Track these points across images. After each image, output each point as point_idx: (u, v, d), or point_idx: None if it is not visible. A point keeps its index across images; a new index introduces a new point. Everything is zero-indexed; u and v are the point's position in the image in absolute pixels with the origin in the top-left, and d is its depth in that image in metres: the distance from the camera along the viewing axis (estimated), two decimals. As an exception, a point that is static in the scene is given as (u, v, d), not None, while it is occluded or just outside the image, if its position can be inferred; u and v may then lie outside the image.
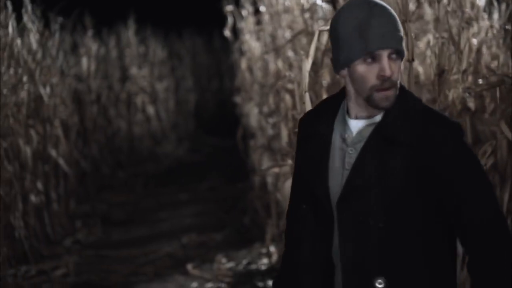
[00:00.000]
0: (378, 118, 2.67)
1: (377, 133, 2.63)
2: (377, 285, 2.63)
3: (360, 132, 2.68)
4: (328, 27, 4.91)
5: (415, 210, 2.63)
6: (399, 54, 2.65)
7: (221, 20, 9.39)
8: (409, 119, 2.63)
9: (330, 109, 2.78)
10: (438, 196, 2.62)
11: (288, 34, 6.94)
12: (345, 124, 2.72)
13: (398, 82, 2.65)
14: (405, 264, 2.64)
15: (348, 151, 2.68)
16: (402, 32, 2.67)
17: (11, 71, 8.08)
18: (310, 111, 2.92)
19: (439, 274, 2.68)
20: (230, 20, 8.91)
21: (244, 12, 8.23)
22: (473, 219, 2.61)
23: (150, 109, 15.69)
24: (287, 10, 6.86)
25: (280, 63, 6.63)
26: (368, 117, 2.69)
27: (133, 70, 15.31)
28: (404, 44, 2.68)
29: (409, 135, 2.61)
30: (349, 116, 2.71)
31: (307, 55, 4.27)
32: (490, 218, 2.63)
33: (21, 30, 8.73)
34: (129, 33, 15.48)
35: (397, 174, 2.61)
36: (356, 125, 2.69)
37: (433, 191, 2.61)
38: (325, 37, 5.34)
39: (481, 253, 2.62)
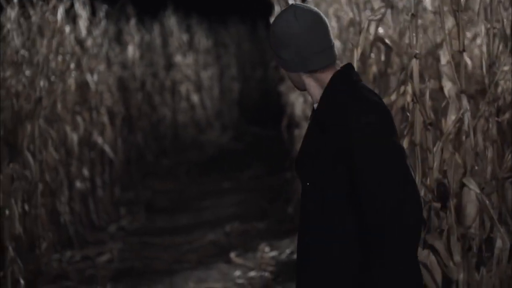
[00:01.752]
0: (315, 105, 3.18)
1: (312, 119, 3.17)
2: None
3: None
4: (376, 17, 4.89)
5: (332, 182, 3.06)
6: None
7: (266, 8, 9.37)
8: (334, 107, 3.06)
9: None
10: (351, 178, 3.02)
11: (334, 24, 6.90)
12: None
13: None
14: (314, 217, 3.11)
15: None
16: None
17: (59, 58, 8.13)
18: None
19: (335, 235, 3.07)
20: (276, 8, 8.87)
21: (290, 0, 8.18)
22: (369, 210, 2.98)
23: (195, 97, 15.73)
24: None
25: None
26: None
27: (178, 58, 15.34)
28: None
29: (332, 121, 3.05)
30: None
31: (356, 45, 4.24)
32: (387, 213, 2.95)
33: (70, 17, 8.79)
34: (172, 21, 15.50)
35: (322, 153, 3.07)
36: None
37: (348, 172, 3.02)
38: (373, 27, 5.30)
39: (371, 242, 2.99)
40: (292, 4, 3.19)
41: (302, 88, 3.18)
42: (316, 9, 3.19)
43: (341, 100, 3.06)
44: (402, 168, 3.02)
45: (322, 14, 3.16)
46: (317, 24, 3.10)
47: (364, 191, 2.98)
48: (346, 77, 3.12)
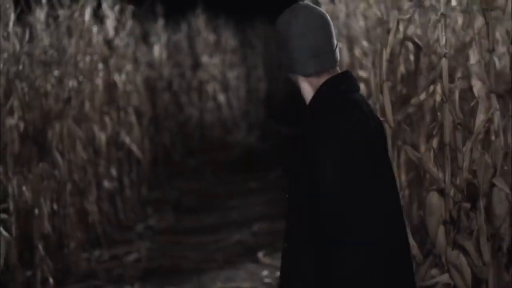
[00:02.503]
0: None
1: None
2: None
3: None
4: (405, 16, 4.87)
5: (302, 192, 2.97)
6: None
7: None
8: (311, 118, 2.99)
9: None
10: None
11: (362, 23, 6.88)
12: None
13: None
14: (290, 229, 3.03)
15: None
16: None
17: (87, 58, 8.17)
18: None
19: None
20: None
21: (321, 1, 8.18)
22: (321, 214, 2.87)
23: (221, 97, 15.75)
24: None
25: (357, 51, 6.57)
26: None
27: (205, 58, 15.37)
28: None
29: (304, 129, 3.00)
30: None
31: (384, 44, 4.22)
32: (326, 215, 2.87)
33: (98, 18, 8.84)
34: (199, 21, 15.53)
35: (294, 162, 3.03)
36: None
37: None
38: (402, 27, 5.28)
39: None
40: (298, 3, 3.07)
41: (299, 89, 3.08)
42: (321, 11, 3.06)
43: (317, 112, 2.97)
44: (352, 194, 2.88)
45: (326, 17, 3.04)
46: (318, 27, 2.99)
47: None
48: (333, 87, 3.00)
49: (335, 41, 3.04)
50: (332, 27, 3.05)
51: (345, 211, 2.87)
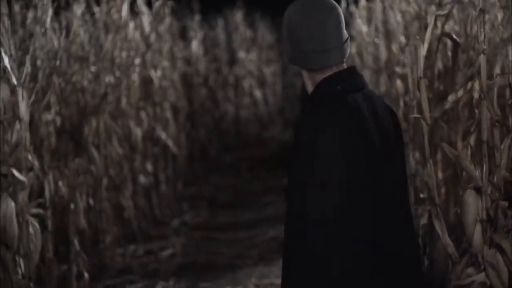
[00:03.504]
0: None
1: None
2: None
3: None
4: (443, 12, 4.81)
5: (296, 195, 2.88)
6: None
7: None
8: (303, 113, 2.92)
9: None
10: None
11: (399, 18, 6.82)
12: None
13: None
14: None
15: None
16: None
17: (124, 54, 8.20)
18: None
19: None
20: (343, 3, 8.83)
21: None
22: (307, 213, 2.78)
23: (257, 93, 15.74)
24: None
25: (394, 47, 6.52)
26: None
27: (241, 54, 15.37)
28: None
29: (298, 127, 2.91)
30: None
31: (422, 40, 4.18)
32: (311, 218, 2.78)
33: (134, 13, 8.87)
34: (237, 17, 15.54)
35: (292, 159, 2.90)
36: None
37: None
38: (439, 23, 5.21)
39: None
40: None
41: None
42: (333, 2, 2.92)
43: (310, 112, 2.89)
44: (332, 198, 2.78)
45: (337, 9, 2.89)
46: (325, 21, 2.86)
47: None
48: (330, 86, 2.89)
49: (344, 35, 2.91)
50: (343, 20, 2.92)
51: (328, 212, 2.76)
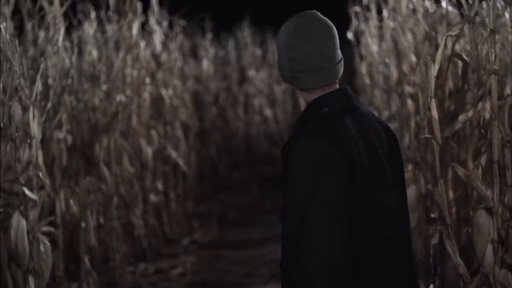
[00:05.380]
0: None
1: None
2: None
3: None
4: (454, 32, 4.82)
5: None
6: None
7: (343, 23, 9.32)
8: (289, 139, 2.89)
9: None
10: None
11: (410, 38, 6.84)
12: None
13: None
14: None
15: None
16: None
17: (135, 72, 8.23)
18: None
19: None
20: (354, 22, 8.83)
21: (368, 15, 8.15)
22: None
23: (268, 111, 15.75)
24: (410, 14, 6.76)
25: (405, 67, 6.53)
26: None
27: (251, 72, 15.40)
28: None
29: (286, 146, 2.90)
30: None
31: (433, 60, 4.19)
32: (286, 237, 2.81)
33: (146, 32, 8.91)
34: (246, 35, 15.58)
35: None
36: None
37: None
38: (450, 43, 5.23)
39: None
40: (304, 12, 2.88)
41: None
42: (328, 22, 2.87)
43: (296, 132, 2.87)
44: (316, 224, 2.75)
45: (332, 30, 2.86)
46: (318, 40, 2.83)
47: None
48: (318, 108, 2.85)
49: (338, 55, 2.88)
50: (337, 40, 2.87)
51: (303, 239, 2.75)
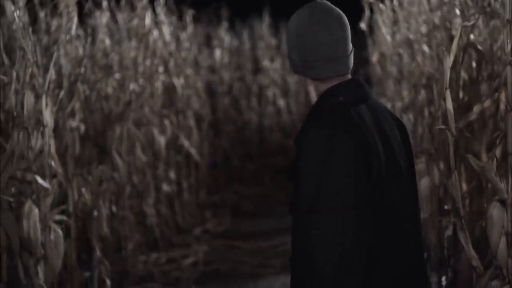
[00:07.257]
0: None
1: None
2: None
3: None
4: (469, 23, 4.78)
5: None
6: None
7: (356, 13, 9.29)
8: (302, 128, 2.84)
9: None
10: None
11: (424, 29, 6.79)
12: None
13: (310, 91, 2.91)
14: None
15: None
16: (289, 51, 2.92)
17: (147, 62, 8.22)
18: None
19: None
20: (367, 12, 8.79)
21: (382, 6, 8.10)
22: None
23: (281, 102, 15.72)
24: (423, 3, 6.71)
25: (419, 57, 6.48)
26: None
27: (265, 63, 15.37)
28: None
29: (298, 136, 2.83)
30: None
31: (448, 51, 4.15)
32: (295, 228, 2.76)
33: (158, 21, 8.90)
34: (263, 25, 15.54)
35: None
36: None
37: None
38: (464, 32, 5.18)
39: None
40: (315, 1, 2.86)
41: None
42: (339, 12, 2.85)
43: (309, 122, 2.83)
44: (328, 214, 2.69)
45: (344, 20, 2.84)
46: (333, 29, 2.80)
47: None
48: (333, 97, 2.83)
49: (350, 47, 2.86)
50: (349, 29, 2.86)
51: (315, 230, 2.69)
